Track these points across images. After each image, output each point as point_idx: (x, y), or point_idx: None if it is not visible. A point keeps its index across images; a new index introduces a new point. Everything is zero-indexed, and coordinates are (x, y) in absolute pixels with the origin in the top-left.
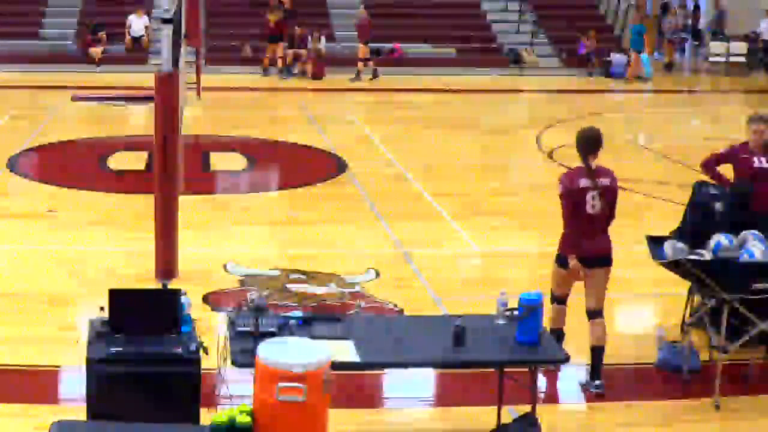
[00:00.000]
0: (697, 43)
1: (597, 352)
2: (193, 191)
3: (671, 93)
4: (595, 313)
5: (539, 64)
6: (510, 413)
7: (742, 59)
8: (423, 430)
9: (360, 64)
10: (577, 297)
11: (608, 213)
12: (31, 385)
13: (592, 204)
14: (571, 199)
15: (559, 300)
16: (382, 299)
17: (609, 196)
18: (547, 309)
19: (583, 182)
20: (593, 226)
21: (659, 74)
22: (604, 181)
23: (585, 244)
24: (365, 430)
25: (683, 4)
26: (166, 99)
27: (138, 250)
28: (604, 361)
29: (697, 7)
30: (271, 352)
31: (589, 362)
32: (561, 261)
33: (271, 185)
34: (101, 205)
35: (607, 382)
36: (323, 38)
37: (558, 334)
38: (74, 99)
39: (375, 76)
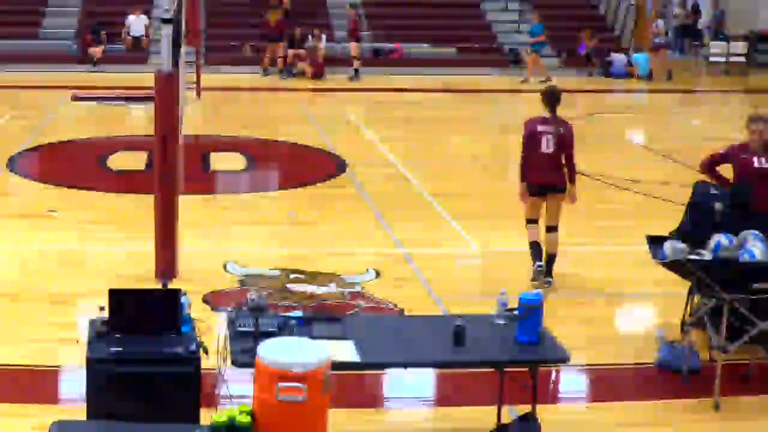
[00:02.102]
0: (697, 43)
1: (551, 257)
2: (193, 191)
3: (671, 93)
4: (551, 228)
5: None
6: (510, 413)
7: (742, 59)
8: (423, 430)
9: (357, 62)
10: (577, 300)
11: (561, 153)
12: (31, 384)
13: (547, 144)
14: (530, 141)
15: (532, 221)
16: (382, 299)
17: (561, 140)
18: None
19: (541, 128)
20: (548, 162)
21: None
22: (560, 129)
23: (542, 176)
24: (365, 430)
25: (683, 4)
26: (166, 99)
27: (138, 250)
28: (605, 361)
29: (696, 8)
30: (271, 352)
31: (547, 264)
32: (532, 190)
33: (271, 185)
34: (101, 205)
35: (607, 383)
36: (324, 38)
37: (537, 246)
38: (74, 99)
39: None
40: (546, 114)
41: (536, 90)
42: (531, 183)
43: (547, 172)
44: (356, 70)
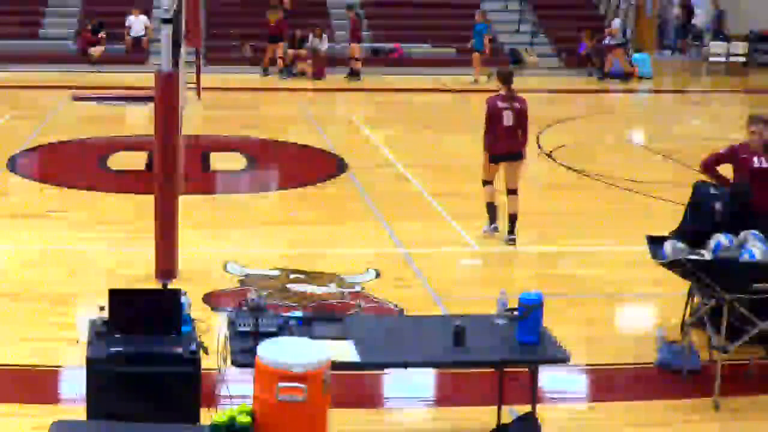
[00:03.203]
0: (696, 43)
1: (512, 217)
2: (193, 191)
3: (671, 93)
4: (512, 191)
5: (539, 64)
6: (510, 413)
7: (742, 59)
8: (423, 430)
9: (357, 63)
10: (577, 300)
11: (519, 125)
12: (31, 384)
13: (507, 118)
14: (493, 115)
15: (489, 183)
16: (382, 299)
17: (519, 113)
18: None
19: (501, 104)
20: (508, 133)
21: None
22: (516, 104)
23: (503, 146)
24: (365, 430)
25: (683, 4)
26: (166, 99)
27: (138, 250)
28: (605, 361)
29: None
30: (271, 352)
31: (511, 223)
32: (493, 158)
33: (271, 185)
34: (101, 205)
35: (607, 383)
36: (325, 38)
37: (492, 207)
38: (74, 99)
39: (354, 75)
40: (503, 92)
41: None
42: (494, 153)
43: (509, 142)
44: (354, 70)
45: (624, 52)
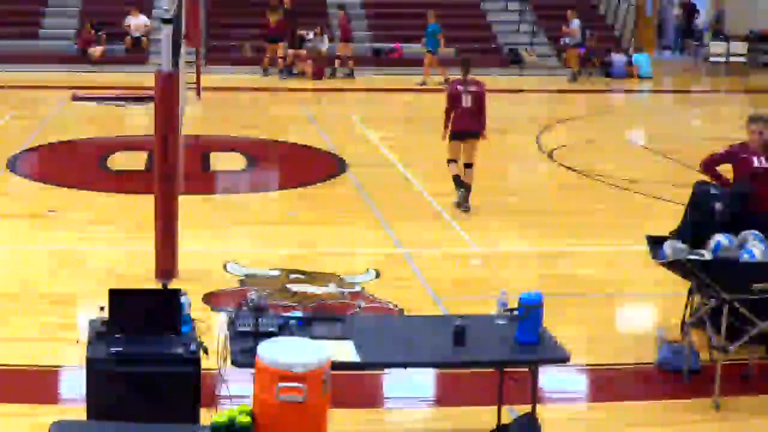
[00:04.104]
0: (697, 43)
1: (468, 186)
2: (193, 191)
3: (671, 93)
4: (468, 165)
5: (539, 65)
6: (510, 413)
7: (742, 59)
8: (423, 430)
9: (350, 62)
10: (577, 300)
11: (476, 107)
12: (31, 384)
13: (465, 100)
14: (453, 98)
15: (453, 161)
16: (382, 299)
17: (476, 96)
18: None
19: (459, 88)
20: (467, 114)
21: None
22: (473, 87)
23: (462, 125)
24: (365, 430)
25: (683, 4)
26: (166, 99)
27: (138, 250)
28: (605, 361)
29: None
30: (271, 352)
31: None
32: (453, 136)
33: (271, 185)
34: (101, 205)
35: (607, 383)
36: (325, 38)
37: (458, 178)
38: (74, 99)
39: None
40: (462, 77)
41: (533, 90)
42: (454, 131)
43: (467, 122)
44: (351, 71)
45: (579, 54)
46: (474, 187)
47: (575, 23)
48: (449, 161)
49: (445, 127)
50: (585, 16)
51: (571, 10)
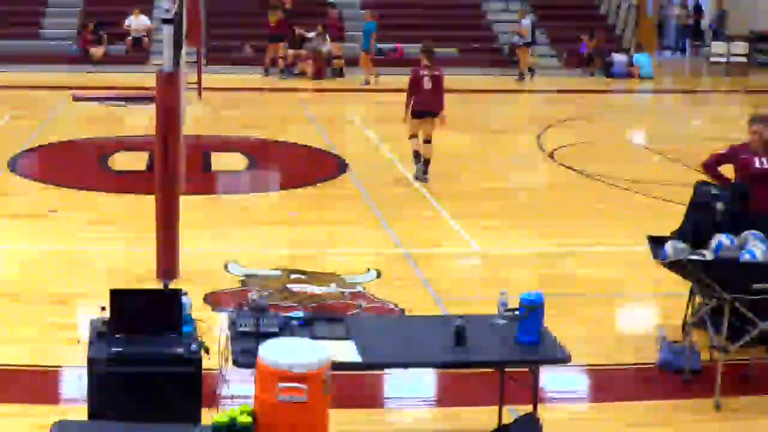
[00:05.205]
0: (698, 43)
1: (426, 161)
2: (193, 191)
3: (672, 93)
4: (427, 141)
5: (539, 65)
6: (511, 413)
7: (743, 59)
8: (424, 430)
9: (339, 62)
10: (578, 300)
11: (436, 90)
12: (32, 385)
13: (426, 83)
14: (415, 82)
15: (414, 136)
16: (383, 299)
17: (436, 80)
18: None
19: (422, 72)
20: (427, 96)
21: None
22: (434, 72)
23: (423, 105)
24: (366, 430)
25: (684, 4)
26: (166, 99)
27: (139, 251)
28: (606, 361)
29: (699, 8)
30: (272, 352)
31: (425, 166)
32: (414, 115)
33: (271, 185)
34: (102, 205)
35: (608, 383)
36: (327, 38)
37: (417, 153)
38: (75, 99)
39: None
40: (425, 62)
41: (533, 90)
42: (415, 110)
43: (427, 102)
44: (340, 69)
45: (530, 52)
46: (474, 188)
47: (526, 22)
48: (410, 137)
49: (407, 107)
50: (585, 16)
51: (522, 10)
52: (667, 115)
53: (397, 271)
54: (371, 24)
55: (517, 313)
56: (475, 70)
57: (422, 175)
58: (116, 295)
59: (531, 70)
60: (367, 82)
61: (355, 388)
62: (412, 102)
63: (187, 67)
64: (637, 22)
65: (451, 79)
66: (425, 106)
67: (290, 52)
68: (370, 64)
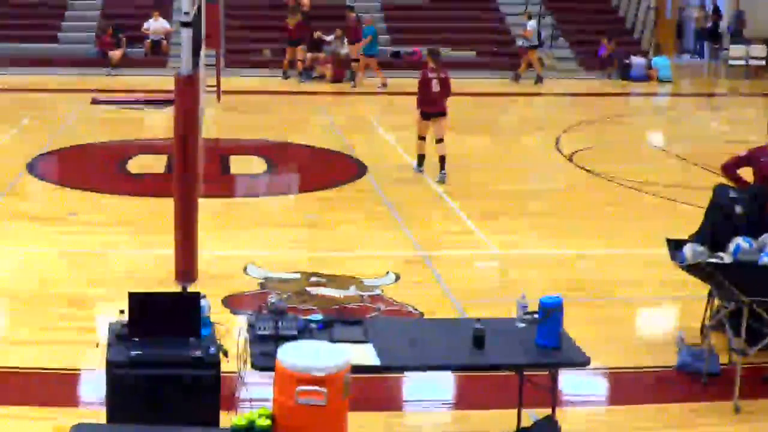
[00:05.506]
0: (717, 46)
1: (442, 158)
2: (212, 194)
3: (690, 96)
4: (439, 140)
5: (558, 67)
6: (530, 416)
7: (762, 62)
8: None
9: (356, 65)
10: (596, 303)
11: (444, 91)
12: (51, 387)
13: (435, 85)
14: (424, 84)
15: (422, 138)
16: (402, 302)
17: (444, 82)
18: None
19: (430, 75)
20: (435, 97)
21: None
22: (441, 75)
23: (431, 107)
24: None
25: (702, 6)
26: (185, 102)
27: (158, 253)
28: (625, 364)
29: (717, 10)
30: (291, 355)
31: (441, 162)
32: (424, 116)
33: (290, 188)
34: (121, 208)
35: (626, 386)
36: (345, 41)
37: (422, 156)
38: (94, 102)
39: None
40: (432, 65)
41: (552, 93)
42: (423, 112)
43: (435, 104)
44: (354, 73)
45: (537, 55)
46: (493, 191)
47: (531, 24)
48: (419, 138)
49: (418, 108)
50: (604, 19)
51: (528, 12)
52: (686, 118)
53: (416, 274)
54: (370, 28)
55: (536, 316)
56: (494, 73)
57: (440, 173)
58: (135, 297)
59: (539, 77)
60: (384, 85)
61: (375, 391)
62: (420, 103)
63: (206, 70)
64: (656, 24)
65: (470, 82)
66: (434, 107)
67: (309, 55)
68: (362, 68)
